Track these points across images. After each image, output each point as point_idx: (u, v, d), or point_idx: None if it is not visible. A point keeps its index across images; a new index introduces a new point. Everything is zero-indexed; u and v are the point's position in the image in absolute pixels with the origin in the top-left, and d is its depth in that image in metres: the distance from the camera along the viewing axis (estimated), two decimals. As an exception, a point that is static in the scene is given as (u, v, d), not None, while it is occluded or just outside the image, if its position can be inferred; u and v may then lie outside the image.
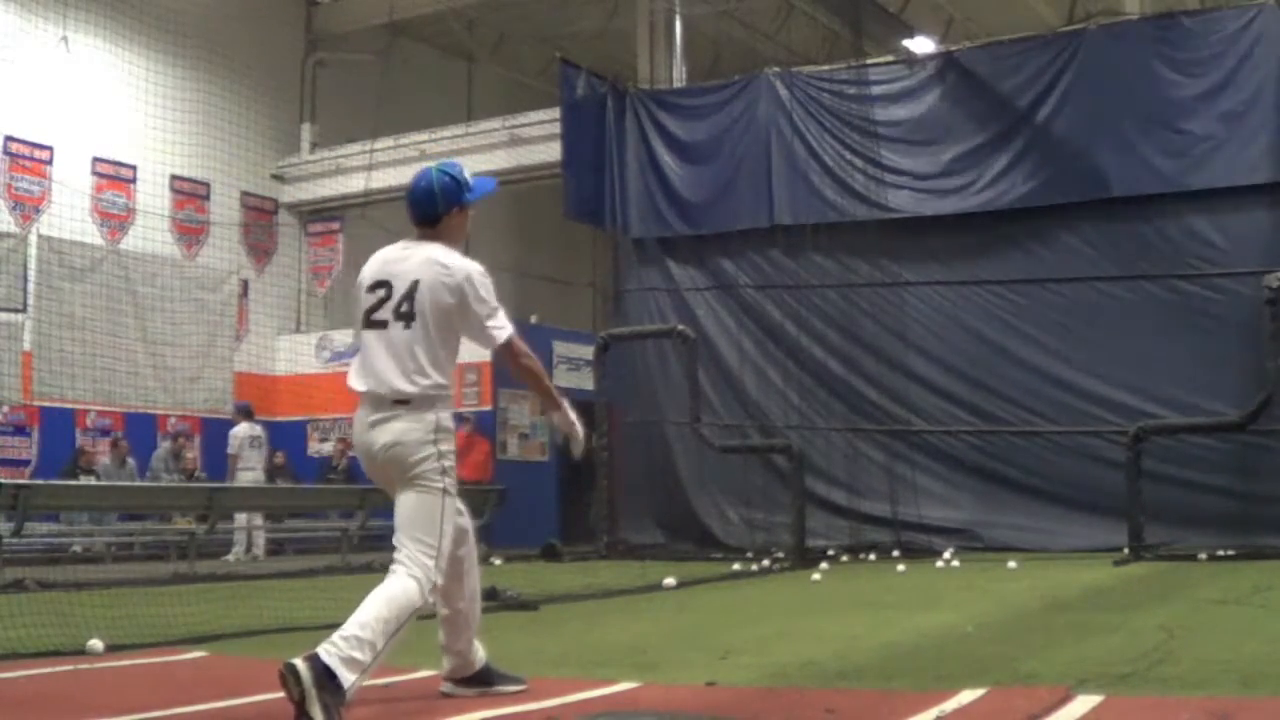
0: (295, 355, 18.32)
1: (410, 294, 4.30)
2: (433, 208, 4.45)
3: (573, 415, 4.55)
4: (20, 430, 15.32)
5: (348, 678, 3.79)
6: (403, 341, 4.29)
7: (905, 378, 14.95)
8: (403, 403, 4.27)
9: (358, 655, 3.84)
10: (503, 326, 4.36)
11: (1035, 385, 14.28)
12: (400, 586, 4.08)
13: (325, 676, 3.75)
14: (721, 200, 15.91)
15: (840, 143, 15.41)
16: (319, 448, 18.10)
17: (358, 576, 10.71)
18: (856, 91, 15.38)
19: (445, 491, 4.25)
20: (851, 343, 15.22)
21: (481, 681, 4.57)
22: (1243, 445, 13.09)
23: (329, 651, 3.81)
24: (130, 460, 15.36)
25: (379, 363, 4.30)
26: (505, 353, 4.42)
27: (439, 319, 4.30)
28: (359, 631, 3.89)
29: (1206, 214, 13.68)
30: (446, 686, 4.57)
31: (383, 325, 4.33)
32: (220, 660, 5.65)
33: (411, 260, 4.37)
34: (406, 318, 4.30)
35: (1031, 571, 10.92)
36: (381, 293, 4.35)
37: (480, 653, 4.59)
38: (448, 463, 4.28)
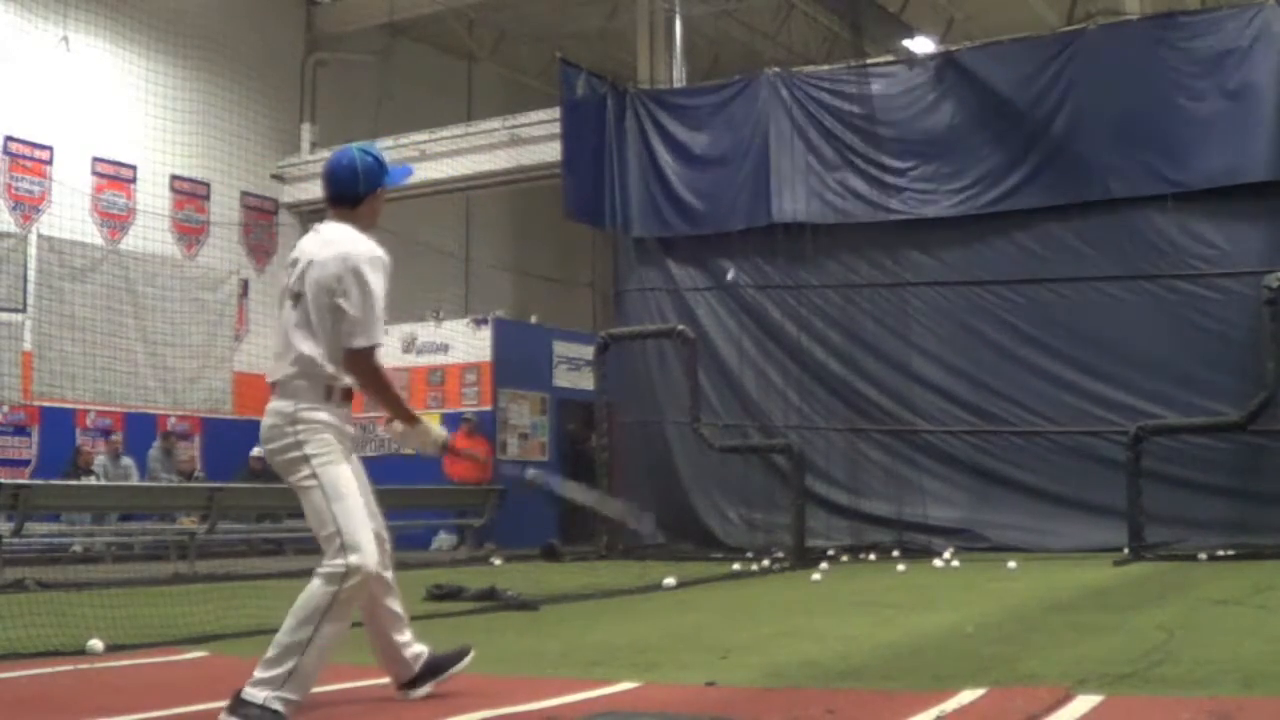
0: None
1: (303, 272, 4.17)
2: (354, 187, 4.28)
3: (430, 429, 4.46)
4: (20, 430, 15.31)
5: (255, 695, 3.86)
6: (288, 321, 4.18)
7: (905, 378, 14.94)
8: (274, 387, 4.19)
9: (271, 673, 3.89)
10: (358, 335, 4.09)
11: (1035, 385, 14.28)
12: (305, 592, 4.02)
13: (237, 703, 3.85)
14: (721, 200, 15.90)
15: (840, 143, 15.40)
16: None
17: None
18: (856, 91, 15.36)
19: (315, 478, 4.11)
20: (852, 343, 15.22)
21: (431, 673, 4.47)
22: (1243, 445, 13.09)
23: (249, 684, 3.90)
24: (126, 459, 15.36)
25: (273, 343, 4.26)
26: (349, 363, 4.14)
27: (319, 301, 4.12)
28: (270, 651, 3.95)
29: (1206, 214, 13.67)
30: (399, 695, 4.47)
31: (282, 303, 4.25)
32: (220, 660, 5.65)
33: (318, 238, 4.27)
34: (296, 296, 4.18)
35: (1031, 571, 10.92)
36: (290, 269, 4.27)
37: (419, 648, 4.49)
38: (310, 449, 4.11)
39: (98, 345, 15.31)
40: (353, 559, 4.00)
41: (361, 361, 4.14)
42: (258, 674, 3.91)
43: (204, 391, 17.17)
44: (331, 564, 4.01)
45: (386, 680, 4.74)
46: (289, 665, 3.88)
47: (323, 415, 4.14)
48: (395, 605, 4.45)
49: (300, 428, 4.12)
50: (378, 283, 4.12)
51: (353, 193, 4.28)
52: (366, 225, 4.33)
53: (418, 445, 4.50)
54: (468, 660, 4.55)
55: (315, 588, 3.99)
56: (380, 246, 4.25)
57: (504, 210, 21.32)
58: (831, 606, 8.46)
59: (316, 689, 4.39)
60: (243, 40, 17.56)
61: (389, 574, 4.44)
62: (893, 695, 4.49)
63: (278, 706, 3.86)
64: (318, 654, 3.93)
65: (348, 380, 4.22)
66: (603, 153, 16.36)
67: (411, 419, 4.40)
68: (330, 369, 4.13)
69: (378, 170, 4.33)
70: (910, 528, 14.34)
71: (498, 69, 21.60)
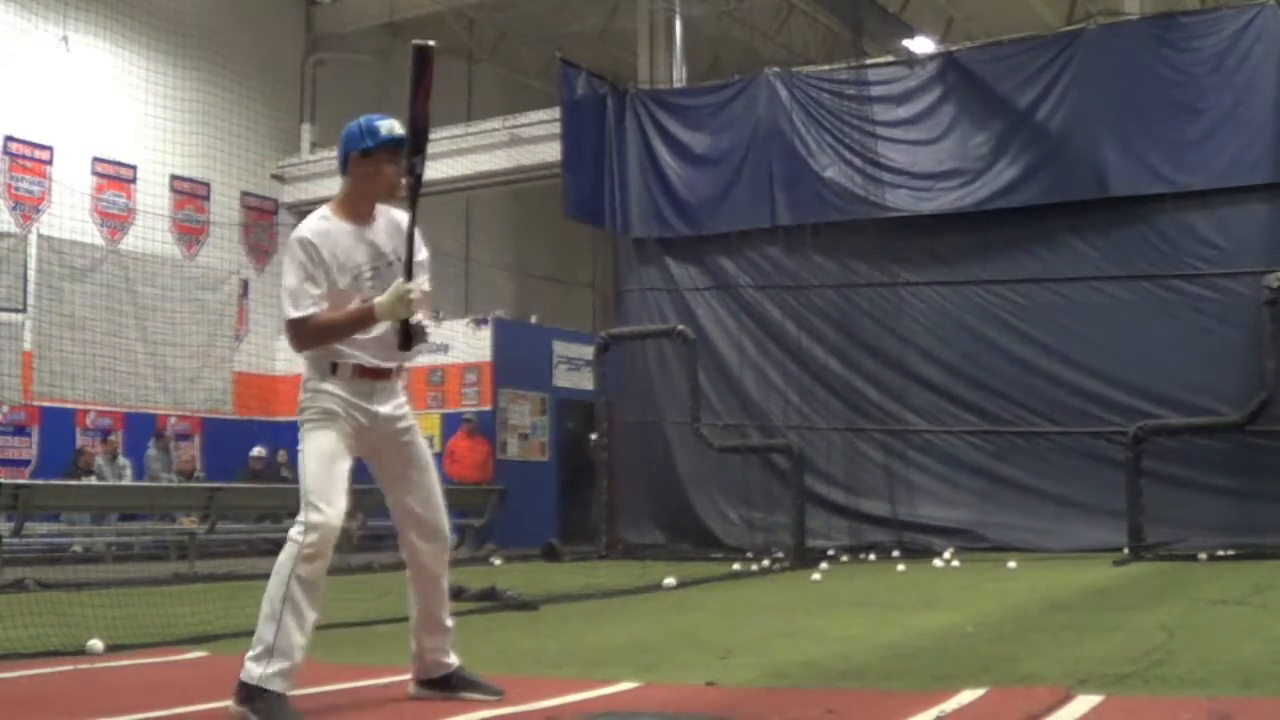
0: (295, 355, 18.23)
1: None
2: (342, 158, 4.37)
3: (384, 305, 4.12)
4: (20, 430, 15.32)
5: (251, 675, 3.89)
6: None
7: (905, 377, 14.94)
8: None
9: (257, 650, 3.93)
10: (282, 309, 4.23)
11: (1035, 385, 14.28)
12: (277, 559, 4.04)
13: (239, 689, 3.90)
14: (722, 200, 15.90)
15: (840, 143, 15.41)
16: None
17: (357, 576, 10.72)
18: (856, 91, 15.37)
19: (303, 440, 4.21)
20: (851, 342, 15.22)
21: (447, 686, 4.38)
22: (1243, 445, 13.08)
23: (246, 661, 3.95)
24: (123, 459, 15.36)
25: None
26: (288, 338, 4.30)
27: None
28: (256, 628, 3.98)
29: (1206, 214, 13.67)
30: (412, 689, 4.44)
31: None
32: (220, 660, 5.64)
33: None
34: None
35: (1031, 571, 10.92)
36: None
37: (450, 656, 4.40)
38: (306, 416, 4.23)
39: (98, 345, 15.32)
40: (313, 516, 4.02)
41: (291, 333, 4.26)
42: (249, 653, 3.95)
43: (204, 392, 17.18)
44: (296, 522, 4.05)
45: (387, 680, 4.74)
46: (271, 632, 3.92)
47: (325, 387, 4.24)
48: (439, 612, 4.37)
49: (305, 396, 4.30)
50: (292, 256, 4.22)
51: (342, 163, 4.38)
52: (362, 191, 4.33)
53: (399, 318, 4.14)
54: (490, 699, 4.34)
55: (283, 551, 4.02)
56: (324, 221, 4.28)
57: (504, 210, 21.33)
58: (831, 606, 8.45)
59: (317, 689, 4.40)
60: (243, 40, 17.56)
61: (444, 581, 4.39)
62: (893, 695, 4.49)
63: (274, 686, 3.88)
64: (294, 614, 3.93)
65: (364, 358, 4.25)
66: (603, 153, 16.36)
67: (370, 317, 4.18)
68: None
69: (355, 134, 4.31)
70: (910, 528, 14.34)
71: (498, 69, 21.60)
